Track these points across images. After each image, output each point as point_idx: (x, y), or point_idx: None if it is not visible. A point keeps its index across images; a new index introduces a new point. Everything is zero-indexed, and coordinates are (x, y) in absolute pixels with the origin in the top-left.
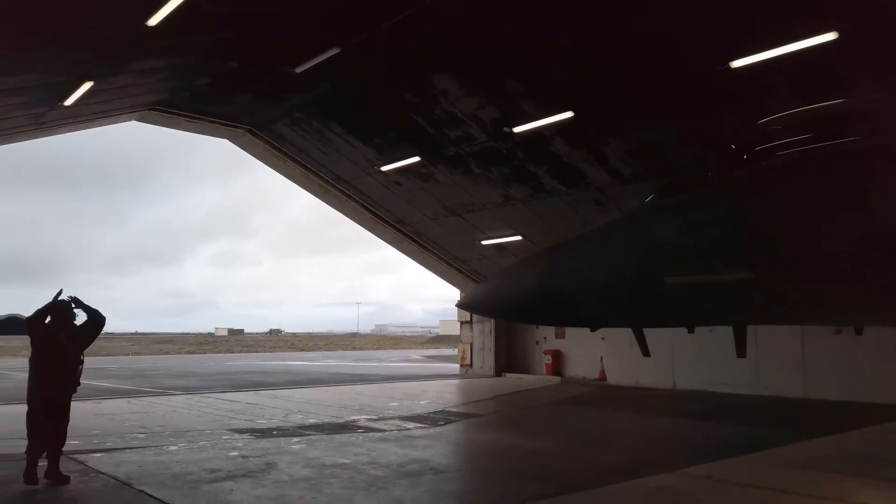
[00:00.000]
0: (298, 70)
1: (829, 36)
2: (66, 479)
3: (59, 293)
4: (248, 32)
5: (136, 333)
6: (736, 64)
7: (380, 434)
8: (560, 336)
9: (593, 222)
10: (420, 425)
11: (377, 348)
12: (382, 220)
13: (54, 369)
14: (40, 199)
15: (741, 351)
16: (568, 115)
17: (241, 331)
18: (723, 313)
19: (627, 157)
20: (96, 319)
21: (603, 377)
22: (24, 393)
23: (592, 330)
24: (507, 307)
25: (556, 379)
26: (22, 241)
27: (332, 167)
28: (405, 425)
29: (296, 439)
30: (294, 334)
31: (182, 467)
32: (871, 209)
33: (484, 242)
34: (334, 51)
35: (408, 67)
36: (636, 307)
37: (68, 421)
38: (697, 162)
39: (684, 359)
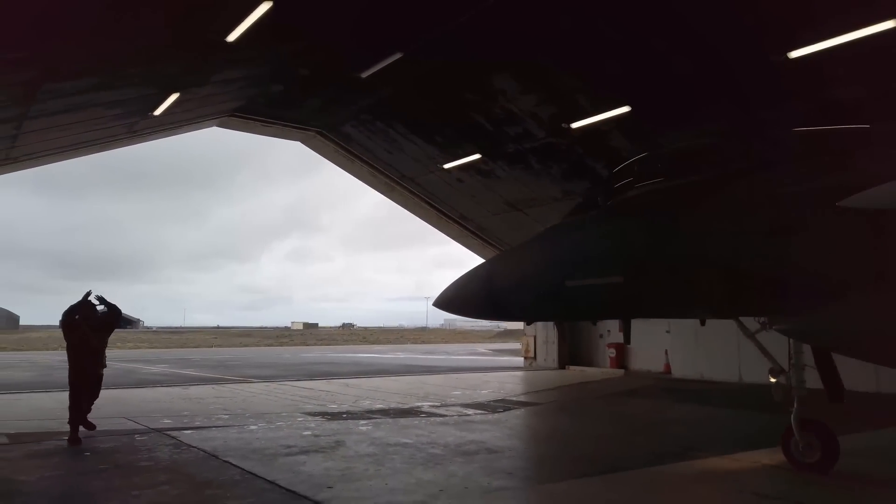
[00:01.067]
0: (364, 75)
1: (890, 23)
2: (92, 426)
3: (88, 294)
4: (316, 42)
5: (218, 327)
6: (794, 54)
7: (441, 419)
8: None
9: None
10: (480, 412)
11: (445, 342)
12: (446, 216)
13: (84, 353)
14: (126, 201)
15: (626, 339)
16: (625, 109)
17: (316, 325)
18: (606, 309)
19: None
20: (113, 312)
21: (668, 370)
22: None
23: (528, 323)
24: (464, 305)
25: (620, 372)
26: (110, 240)
27: (397, 166)
28: (465, 412)
29: (363, 422)
30: (365, 328)
31: (261, 443)
32: (696, 231)
33: None
34: (397, 55)
35: (466, 68)
36: (551, 304)
37: (100, 389)
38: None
39: (751, 352)
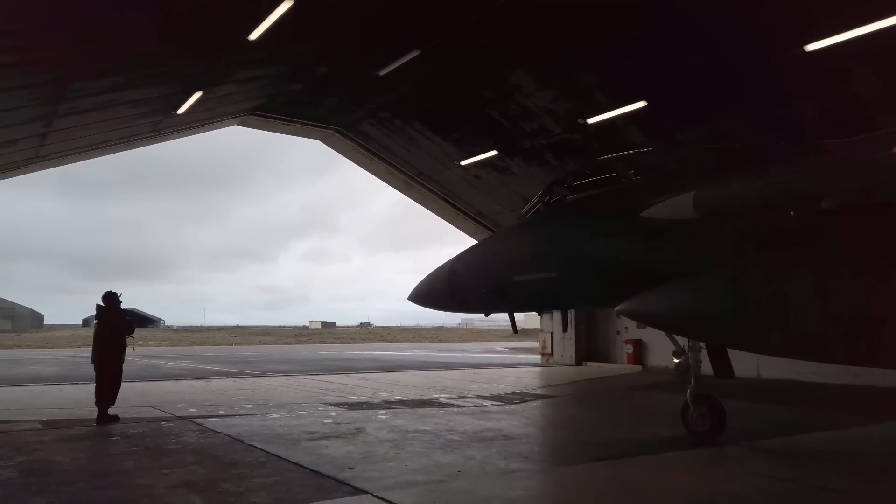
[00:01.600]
0: (382, 73)
1: None
2: (115, 419)
3: (116, 294)
4: (335, 41)
5: (238, 326)
6: (811, 47)
7: (458, 409)
8: (641, 326)
9: None
10: (497, 403)
11: (462, 340)
12: (463, 212)
13: (109, 343)
14: (148, 202)
15: (564, 327)
16: (641, 104)
17: (334, 324)
18: (546, 301)
19: (703, 145)
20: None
21: None
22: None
23: (486, 315)
24: (432, 299)
25: (638, 368)
26: (132, 241)
27: (414, 163)
28: (483, 403)
29: (382, 411)
30: (383, 327)
31: (284, 430)
32: (585, 233)
33: None
34: (414, 53)
35: (483, 65)
36: (502, 298)
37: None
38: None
39: None
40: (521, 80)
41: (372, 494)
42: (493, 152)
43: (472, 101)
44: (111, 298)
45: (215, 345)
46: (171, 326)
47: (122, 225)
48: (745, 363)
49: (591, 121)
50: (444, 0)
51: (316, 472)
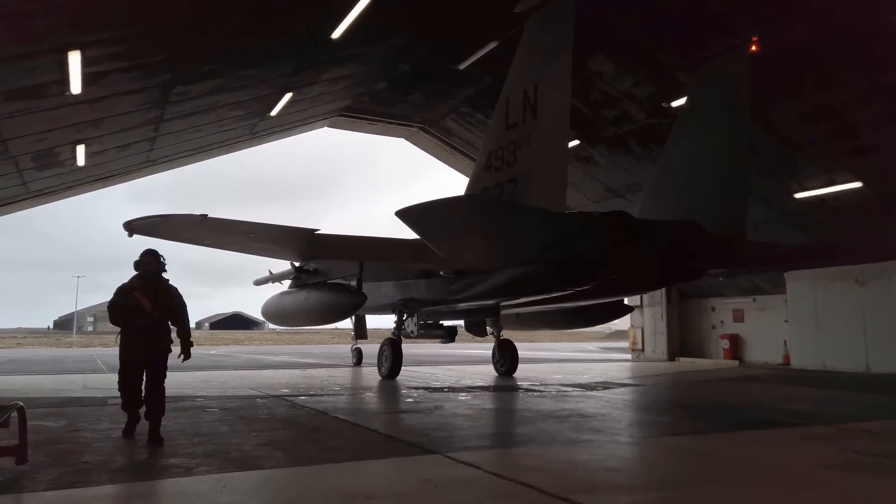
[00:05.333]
0: (462, 67)
1: None
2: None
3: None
4: (416, 37)
5: (336, 329)
6: None
7: (538, 393)
8: (738, 320)
9: (764, 197)
10: (578, 389)
11: (553, 340)
12: None
13: (134, 322)
14: (249, 211)
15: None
16: None
17: None
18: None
19: (800, 122)
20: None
21: (787, 361)
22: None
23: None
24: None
25: (734, 363)
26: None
27: None
28: (564, 389)
29: (463, 394)
30: None
31: (367, 406)
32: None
33: None
34: (493, 44)
35: None
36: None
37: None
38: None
39: (880, 339)
40: (601, 65)
41: (441, 454)
42: (575, 142)
43: None
44: (151, 258)
45: (315, 344)
46: (275, 329)
47: None
48: (854, 358)
49: (675, 104)
50: None
51: (391, 436)
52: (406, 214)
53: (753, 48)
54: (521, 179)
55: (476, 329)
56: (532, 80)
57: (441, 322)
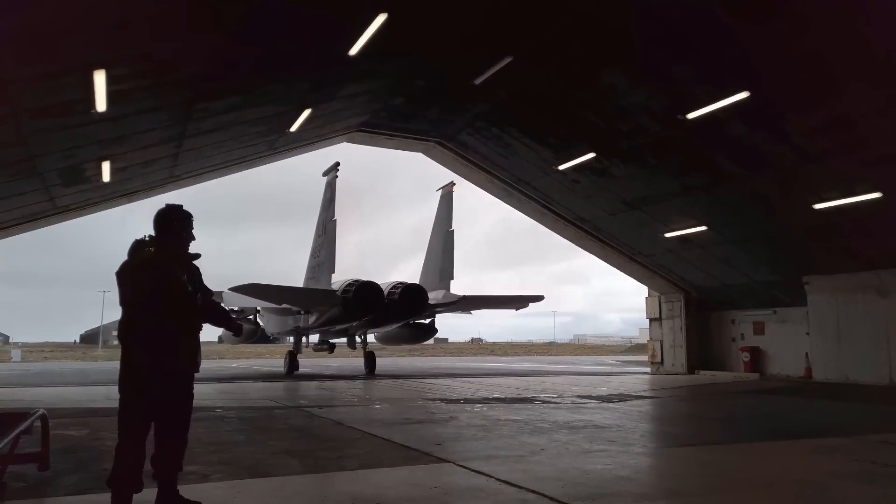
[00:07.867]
0: (477, 81)
1: None
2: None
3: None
4: (432, 53)
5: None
6: None
7: (554, 405)
8: (759, 332)
9: (778, 209)
10: (594, 401)
11: (573, 355)
12: (563, 218)
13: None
14: (274, 229)
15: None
16: (743, 95)
17: (446, 339)
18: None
19: (814, 133)
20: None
21: (809, 374)
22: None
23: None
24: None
25: (755, 376)
26: (263, 264)
27: (512, 170)
28: (580, 401)
29: (479, 405)
30: (494, 343)
31: (382, 417)
32: None
33: (667, 235)
34: (507, 59)
35: (576, 66)
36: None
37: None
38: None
39: None
40: (616, 79)
41: (454, 463)
42: (591, 155)
43: (566, 103)
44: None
45: (334, 357)
46: None
47: (256, 249)
48: (877, 370)
49: (690, 115)
50: (533, 4)
51: (406, 446)
52: (241, 290)
53: None
54: None
55: (349, 343)
56: None
57: (326, 339)
